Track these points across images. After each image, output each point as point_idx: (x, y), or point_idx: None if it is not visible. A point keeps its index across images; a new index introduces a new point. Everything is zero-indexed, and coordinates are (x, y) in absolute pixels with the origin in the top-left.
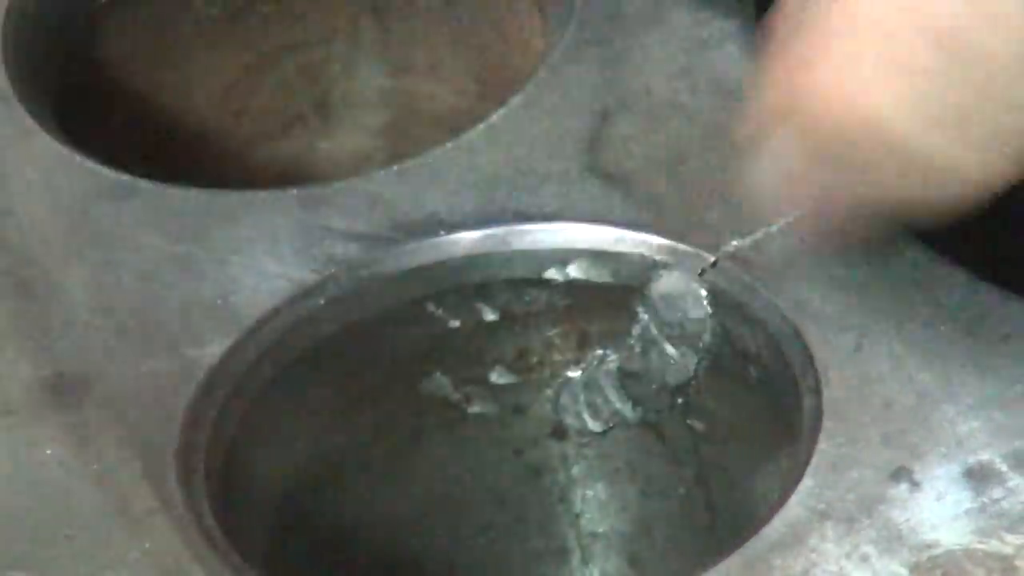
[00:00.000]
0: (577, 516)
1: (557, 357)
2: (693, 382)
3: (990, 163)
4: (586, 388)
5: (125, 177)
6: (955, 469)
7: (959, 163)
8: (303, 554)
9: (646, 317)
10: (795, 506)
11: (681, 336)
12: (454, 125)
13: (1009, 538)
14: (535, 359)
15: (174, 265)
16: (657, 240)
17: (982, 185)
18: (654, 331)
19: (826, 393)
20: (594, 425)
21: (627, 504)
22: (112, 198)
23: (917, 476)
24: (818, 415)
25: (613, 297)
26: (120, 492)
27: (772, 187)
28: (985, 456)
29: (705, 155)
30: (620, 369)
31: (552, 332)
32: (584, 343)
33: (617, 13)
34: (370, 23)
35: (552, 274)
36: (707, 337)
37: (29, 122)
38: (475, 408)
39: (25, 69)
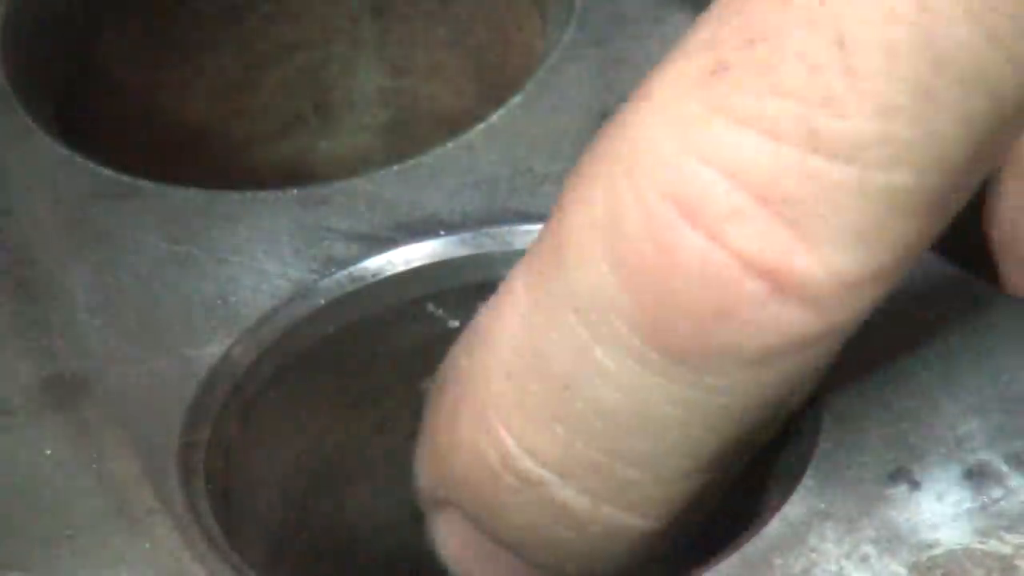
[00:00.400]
0: None
1: None
2: None
3: (640, 521)
4: None
5: (125, 177)
6: (955, 469)
7: (604, 516)
8: (303, 554)
9: None
10: (795, 506)
11: None
12: (454, 125)
13: (1009, 538)
14: None
15: (174, 265)
16: None
17: (641, 538)
18: None
19: (826, 393)
20: None
21: None
22: (112, 198)
23: (917, 476)
24: (818, 415)
25: None
26: (120, 492)
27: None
28: (985, 456)
29: None
30: None
31: None
32: None
33: (617, 13)
34: (370, 23)
35: None
36: None
37: (29, 122)
38: None
39: (25, 69)
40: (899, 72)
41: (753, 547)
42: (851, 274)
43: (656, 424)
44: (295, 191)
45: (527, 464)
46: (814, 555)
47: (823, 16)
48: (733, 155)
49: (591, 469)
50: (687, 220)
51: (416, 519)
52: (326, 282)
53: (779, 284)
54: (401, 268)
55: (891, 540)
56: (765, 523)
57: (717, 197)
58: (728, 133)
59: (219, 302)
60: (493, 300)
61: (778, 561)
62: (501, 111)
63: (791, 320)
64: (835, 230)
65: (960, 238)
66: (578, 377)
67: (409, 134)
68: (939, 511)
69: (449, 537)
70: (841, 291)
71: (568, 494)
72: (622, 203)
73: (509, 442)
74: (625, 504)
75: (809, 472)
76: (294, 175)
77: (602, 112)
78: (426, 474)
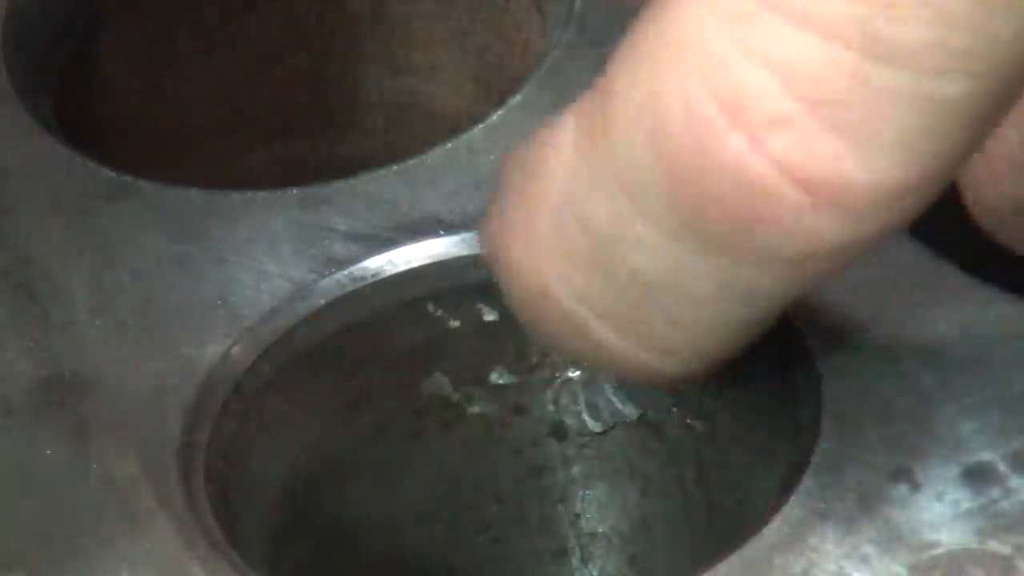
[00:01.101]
0: (577, 516)
1: (557, 357)
2: None
3: (669, 364)
4: (586, 388)
5: (125, 177)
6: (955, 469)
7: (637, 357)
8: (303, 554)
9: None
10: (795, 506)
11: None
12: (454, 125)
13: (1009, 538)
14: (535, 359)
15: (174, 265)
16: None
17: (668, 378)
18: None
19: (826, 393)
20: (594, 425)
21: (627, 504)
22: (112, 198)
23: (917, 476)
24: (818, 415)
25: None
26: (120, 492)
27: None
28: (985, 456)
29: None
30: None
31: None
32: None
33: (617, 14)
34: (370, 23)
35: None
36: None
37: (29, 122)
38: (475, 408)
39: (25, 69)
40: None
41: (753, 547)
42: (895, 183)
43: (689, 295)
44: (295, 191)
45: (568, 300)
46: (814, 555)
47: None
48: (786, 55)
49: (627, 317)
50: (730, 122)
51: (416, 519)
52: (326, 282)
53: (820, 194)
54: (401, 268)
55: (891, 540)
56: (765, 523)
57: (764, 100)
58: (782, 31)
59: (219, 302)
60: (547, 130)
61: (778, 561)
62: (501, 111)
63: (829, 229)
64: (883, 137)
65: (959, 237)
66: (618, 241)
67: (409, 134)
68: (939, 511)
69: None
70: (883, 200)
71: (605, 333)
72: (666, 93)
73: (551, 276)
74: (660, 351)
75: (809, 472)
76: (294, 175)
77: None
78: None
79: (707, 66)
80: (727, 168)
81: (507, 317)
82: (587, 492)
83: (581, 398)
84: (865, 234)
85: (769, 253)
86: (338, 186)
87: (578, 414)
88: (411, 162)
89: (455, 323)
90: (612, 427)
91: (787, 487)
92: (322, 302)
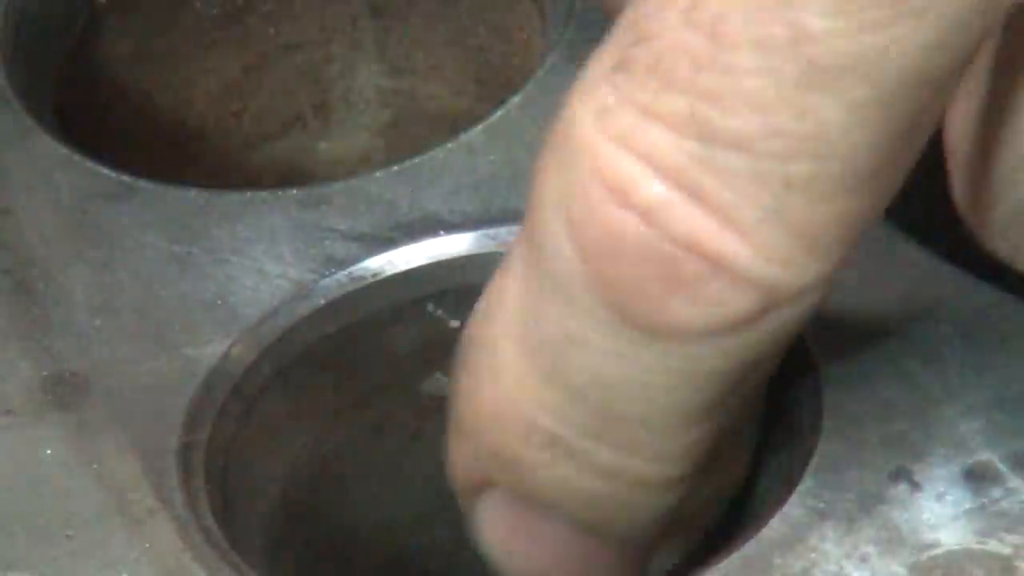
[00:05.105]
0: None
1: None
2: None
3: (658, 470)
4: None
5: (125, 177)
6: (955, 469)
7: (628, 468)
8: (303, 554)
9: None
10: (795, 506)
11: None
12: (454, 125)
13: (1009, 538)
14: None
15: (174, 265)
16: None
17: (665, 487)
18: None
19: (826, 393)
20: None
21: None
22: (112, 198)
23: (917, 476)
24: (818, 415)
25: None
26: (120, 492)
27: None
28: (985, 456)
29: None
30: None
31: None
32: None
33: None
34: (370, 23)
35: None
36: None
37: (29, 122)
38: None
39: (25, 69)
40: (776, 67)
41: (753, 547)
42: (783, 255)
43: (644, 388)
44: (295, 191)
45: (546, 422)
46: (814, 555)
47: (699, 11)
48: (645, 144)
49: (602, 427)
50: (621, 204)
51: (416, 519)
52: (326, 282)
53: (715, 264)
54: (401, 268)
55: (891, 540)
56: (765, 523)
57: (641, 183)
58: (638, 123)
59: (219, 302)
60: (497, 273)
61: (778, 561)
62: (501, 111)
63: (735, 298)
64: (754, 216)
65: (959, 238)
66: (570, 346)
67: (409, 134)
68: (939, 511)
69: (490, 521)
70: (777, 271)
71: (588, 446)
72: (567, 186)
73: (526, 404)
74: (642, 455)
75: (809, 472)
76: (294, 175)
77: None
78: (458, 459)
79: (589, 156)
80: (630, 243)
81: None
82: None
83: None
84: (774, 301)
85: (689, 326)
86: (338, 186)
87: None
88: (411, 162)
89: (455, 323)
90: None
91: (787, 487)
92: (322, 302)
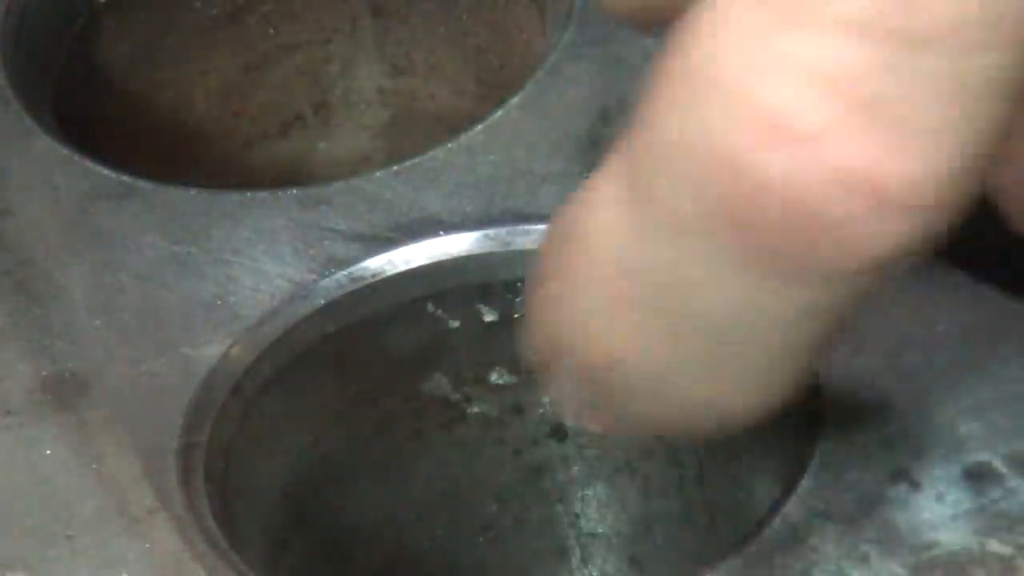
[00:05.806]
0: (577, 516)
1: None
2: None
3: (746, 405)
4: None
5: (125, 177)
6: (955, 469)
7: (716, 405)
8: (303, 554)
9: None
10: (795, 506)
11: None
12: (454, 125)
13: (1009, 538)
14: None
15: (174, 265)
16: None
17: (746, 420)
18: None
19: (826, 393)
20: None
21: (627, 504)
22: (112, 198)
23: (917, 476)
24: (818, 415)
25: None
26: (120, 492)
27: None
28: (985, 457)
29: None
30: None
31: None
32: None
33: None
34: (370, 23)
35: None
36: None
37: (29, 122)
38: (475, 408)
39: (25, 69)
40: None
41: (753, 547)
42: (949, 169)
43: (758, 328)
44: (295, 191)
45: (639, 362)
46: (814, 555)
47: None
48: (817, 62)
49: (701, 365)
50: (772, 145)
51: (416, 519)
52: (326, 282)
53: (875, 196)
54: (401, 268)
55: (891, 540)
56: (765, 523)
57: (803, 111)
58: (807, 38)
59: (219, 302)
60: (580, 200)
61: (778, 561)
62: (501, 111)
63: (891, 231)
64: (924, 125)
65: (960, 237)
66: (681, 288)
67: (409, 134)
68: (939, 511)
69: (562, 389)
70: (940, 190)
71: (681, 387)
72: (702, 126)
73: (617, 343)
74: (738, 393)
75: (809, 472)
76: (294, 175)
77: (602, 112)
78: (538, 331)
79: (737, 89)
80: (777, 191)
81: (507, 317)
82: (587, 492)
83: None
84: (929, 228)
85: (833, 269)
86: (338, 186)
87: None
88: (411, 162)
89: (455, 323)
90: None
91: (787, 487)
92: (322, 302)
